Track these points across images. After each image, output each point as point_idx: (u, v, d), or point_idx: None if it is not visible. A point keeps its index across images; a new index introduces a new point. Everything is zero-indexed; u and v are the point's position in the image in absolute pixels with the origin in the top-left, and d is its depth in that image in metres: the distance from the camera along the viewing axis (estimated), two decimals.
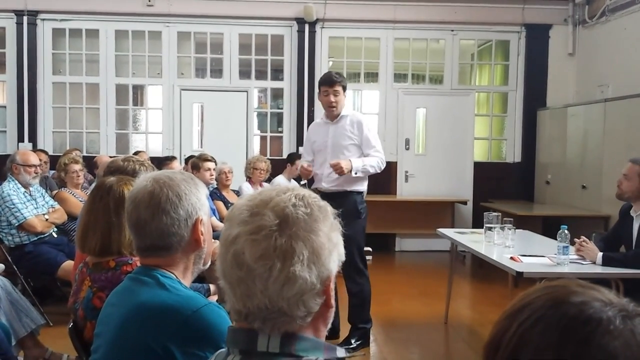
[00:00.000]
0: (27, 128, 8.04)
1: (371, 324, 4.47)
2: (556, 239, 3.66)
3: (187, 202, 1.60)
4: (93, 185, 4.18)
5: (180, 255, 1.63)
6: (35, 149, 7.21)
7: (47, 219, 4.82)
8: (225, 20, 8.21)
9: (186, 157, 7.38)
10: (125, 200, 1.70)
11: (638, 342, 0.72)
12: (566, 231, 3.60)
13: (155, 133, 8.44)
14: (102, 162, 5.41)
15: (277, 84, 8.49)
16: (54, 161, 6.46)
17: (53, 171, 6.35)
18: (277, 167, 7.08)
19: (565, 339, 0.73)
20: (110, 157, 5.37)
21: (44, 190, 5.21)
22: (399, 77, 8.53)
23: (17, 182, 4.75)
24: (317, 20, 8.16)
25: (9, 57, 8.06)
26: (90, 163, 6.39)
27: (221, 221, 5.58)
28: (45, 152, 7.09)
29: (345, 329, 4.35)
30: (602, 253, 3.63)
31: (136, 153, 6.44)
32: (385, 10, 8.16)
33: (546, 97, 8.38)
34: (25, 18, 7.98)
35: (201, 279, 3.09)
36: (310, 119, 7.14)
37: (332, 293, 1.08)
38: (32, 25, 8.02)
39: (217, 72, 8.41)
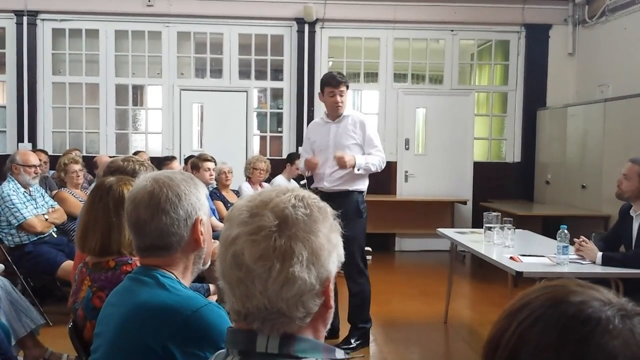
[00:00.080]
0: (27, 128, 8.04)
1: (371, 324, 4.47)
2: (556, 239, 3.66)
3: (187, 202, 1.60)
4: (93, 185, 4.18)
5: (180, 255, 1.63)
6: (35, 149, 7.22)
7: (46, 219, 4.82)
8: (225, 21, 8.21)
9: (186, 157, 7.38)
10: (125, 200, 1.70)
11: (637, 341, 0.73)
12: (566, 231, 3.60)
13: (155, 133, 8.45)
14: (101, 162, 5.42)
15: (276, 84, 8.49)
16: (53, 161, 6.47)
17: (53, 171, 6.36)
18: (277, 167, 7.08)
19: (564, 338, 0.73)
20: (110, 157, 5.37)
21: (43, 190, 5.21)
22: (399, 77, 8.53)
23: (16, 182, 4.75)
24: (317, 20, 8.16)
25: (8, 57, 8.06)
26: (90, 163, 6.39)
27: (221, 221, 5.58)
28: (45, 152, 7.09)
29: (345, 329, 4.36)
30: (601, 253, 3.63)
31: (136, 153, 6.43)
32: (385, 10, 8.16)
33: (546, 97, 8.38)
34: (25, 18, 7.98)
35: (201, 278, 3.09)
36: (310, 119, 7.14)
37: (332, 294, 1.08)
38: (32, 26, 8.02)
39: (217, 72, 8.41)
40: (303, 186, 6.08)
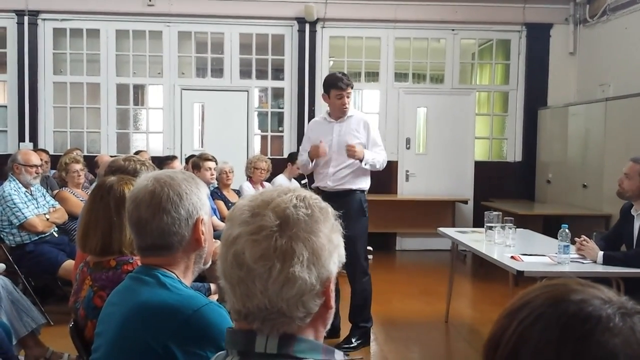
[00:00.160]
0: (28, 128, 8.05)
1: (372, 323, 4.47)
2: (557, 238, 3.66)
3: (188, 201, 1.60)
4: (94, 184, 4.19)
5: (181, 255, 1.63)
6: (36, 148, 7.22)
7: (47, 219, 4.82)
8: (225, 20, 8.21)
9: (187, 156, 7.38)
10: (126, 200, 1.70)
11: (638, 339, 0.73)
12: (567, 230, 3.60)
13: (156, 133, 8.45)
14: (103, 162, 5.41)
15: (277, 84, 8.49)
16: (54, 161, 6.48)
17: (54, 171, 6.36)
18: (278, 166, 7.08)
19: (565, 337, 0.73)
20: (111, 156, 5.37)
21: (44, 189, 5.22)
22: (400, 76, 8.53)
23: (18, 181, 4.76)
24: (318, 19, 8.16)
25: (9, 56, 8.06)
26: (91, 163, 6.40)
27: (222, 221, 5.59)
28: (46, 152, 7.10)
29: (346, 328, 4.36)
30: (602, 252, 3.63)
31: (137, 152, 6.44)
32: (386, 9, 8.16)
33: (547, 96, 8.37)
34: (26, 18, 7.98)
35: (202, 278, 3.09)
36: (311, 118, 7.13)
37: (333, 294, 1.08)
38: (33, 25, 8.02)
39: (218, 71, 8.41)
40: (304, 185, 6.09)
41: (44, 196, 4.99)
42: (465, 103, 8.29)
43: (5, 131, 8.16)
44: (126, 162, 2.57)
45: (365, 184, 4.37)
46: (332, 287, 1.08)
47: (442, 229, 5.13)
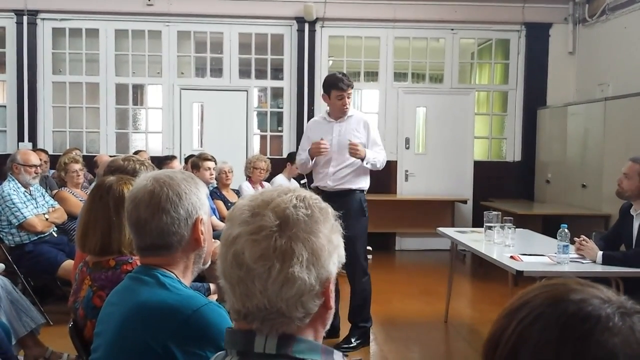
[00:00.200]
0: (27, 127, 8.04)
1: (371, 323, 4.47)
2: (556, 238, 3.66)
3: (187, 201, 1.60)
4: (93, 184, 4.18)
5: (181, 255, 1.63)
6: (35, 148, 7.21)
7: (47, 219, 4.82)
8: (225, 20, 8.21)
9: (186, 156, 7.38)
10: (125, 200, 1.70)
11: (637, 339, 0.73)
12: (566, 230, 3.60)
13: (155, 132, 8.44)
14: (102, 162, 5.41)
15: (277, 83, 8.48)
16: (54, 161, 6.47)
17: (53, 170, 6.36)
18: (277, 166, 7.08)
19: (564, 336, 0.73)
20: (110, 156, 5.37)
21: (44, 189, 5.21)
22: (399, 76, 8.53)
23: (17, 181, 4.75)
24: (317, 19, 8.16)
25: (9, 56, 8.06)
26: (90, 162, 6.39)
27: (221, 220, 5.59)
28: (45, 152, 7.09)
29: (345, 328, 4.36)
30: (602, 252, 3.63)
31: (137, 152, 6.44)
32: (385, 9, 8.16)
33: (546, 96, 8.38)
34: (25, 18, 7.97)
35: (201, 278, 3.09)
36: (310, 118, 7.14)
37: (332, 295, 1.08)
38: (32, 25, 8.02)
39: (217, 71, 8.41)
40: (303, 185, 6.09)
41: (43, 196, 4.98)
42: (465, 103, 8.29)
43: (5, 131, 8.15)
44: (125, 162, 2.57)
45: (365, 183, 4.38)
46: (332, 287, 1.08)
47: (441, 229, 5.13)
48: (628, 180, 3.76)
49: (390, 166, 7.78)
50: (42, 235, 4.76)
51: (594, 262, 3.62)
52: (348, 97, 4.25)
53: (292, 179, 6.83)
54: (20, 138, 8.02)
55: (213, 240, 1.75)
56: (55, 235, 4.91)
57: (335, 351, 1.10)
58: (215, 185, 6.06)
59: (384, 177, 7.68)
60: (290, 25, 8.26)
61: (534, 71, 8.36)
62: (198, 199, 1.63)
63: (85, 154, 7.51)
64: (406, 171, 8.30)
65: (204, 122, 8.39)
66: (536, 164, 8.36)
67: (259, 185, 6.35)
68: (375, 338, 4.61)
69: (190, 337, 1.45)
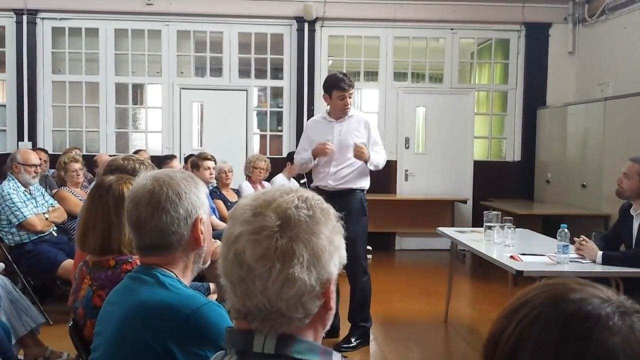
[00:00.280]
0: (27, 127, 8.04)
1: (371, 323, 4.47)
2: (556, 238, 3.66)
3: (187, 200, 1.60)
4: (93, 184, 4.18)
5: (180, 254, 1.63)
6: (35, 147, 7.21)
7: (47, 218, 4.82)
8: (224, 19, 8.21)
9: (186, 156, 7.38)
10: (125, 199, 1.70)
11: (637, 338, 0.73)
12: (566, 230, 3.60)
13: (155, 132, 8.44)
14: (102, 161, 5.41)
15: (276, 83, 8.48)
16: (53, 160, 6.47)
17: (53, 170, 6.36)
18: (277, 166, 7.07)
19: (564, 336, 0.73)
20: (110, 155, 5.37)
21: (43, 189, 5.21)
22: (399, 75, 8.53)
23: (16, 181, 4.75)
24: (317, 19, 8.15)
25: (8, 56, 8.05)
26: (90, 162, 6.39)
27: (221, 220, 5.58)
28: (45, 151, 7.08)
29: (345, 328, 4.36)
30: (602, 252, 3.63)
31: (137, 152, 6.44)
32: (385, 9, 8.16)
33: (546, 95, 8.38)
34: (24, 17, 7.97)
35: (201, 277, 3.09)
36: (310, 118, 7.14)
37: (333, 295, 1.08)
38: (32, 24, 8.01)
39: (217, 71, 8.40)
40: (303, 185, 6.09)
41: (43, 195, 4.98)
42: (464, 102, 8.29)
43: (4, 130, 8.15)
44: (125, 162, 2.57)
45: (365, 183, 4.39)
46: (333, 288, 1.08)
47: (441, 229, 5.13)
48: (628, 180, 3.76)
49: (390, 166, 7.78)
50: (42, 235, 4.76)
51: (594, 262, 3.61)
52: (349, 97, 4.26)
53: (291, 179, 6.83)
54: (20, 137, 8.02)
55: (213, 239, 1.75)
56: (55, 234, 4.91)
57: (334, 352, 1.10)
58: (215, 185, 6.06)
59: (384, 177, 7.68)
60: (290, 25, 8.25)
61: (534, 71, 8.36)
62: (198, 198, 1.63)
63: (85, 153, 7.50)
64: (406, 171, 8.30)
65: (203, 121, 8.38)
66: (536, 164, 8.36)
67: (258, 185, 6.35)
68: (375, 338, 4.61)
69: (189, 337, 1.45)
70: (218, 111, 8.28)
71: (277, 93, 8.59)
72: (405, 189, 8.26)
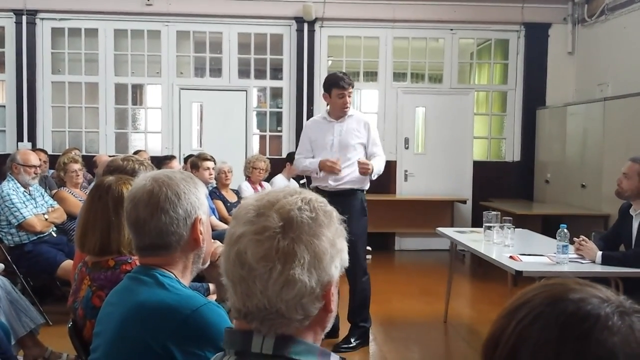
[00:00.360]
0: (27, 127, 8.03)
1: (371, 323, 4.47)
2: (555, 238, 3.66)
3: (186, 201, 1.60)
4: (92, 184, 4.18)
5: (180, 255, 1.63)
6: (34, 148, 7.21)
7: (46, 219, 4.81)
8: (224, 20, 8.21)
9: (185, 156, 7.38)
10: (125, 200, 1.70)
11: (637, 338, 0.73)
12: (565, 230, 3.60)
13: (155, 132, 8.44)
14: (101, 162, 5.41)
15: (276, 83, 8.48)
16: (53, 160, 6.46)
17: (52, 170, 6.35)
18: (277, 166, 7.08)
19: (564, 336, 0.73)
20: (110, 156, 5.36)
21: (43, 189, 5.21)
22: (398, 76, 8.53)
23: (16, 181, 4.75)
24: (316, 19, 8.16)
25: (8, 56, 8.05)
26: (89, 162, 6.39)
27: (220, 220, 5.59)
28: (45, 152, 7.08)
29: (345, 328, 4.35)
30: (601, 252, 3.63)
31: (137, 152, 6.44)
32: (385, 9, 8.16)
33: (545, 96, 8.38)
34: (24, 17, 7.97)
35: (200, 278, 3.09)
36: (310, 118, 7.14)
37: (334, 298, 1.08)
38: (31, 25, 8.01)
39: (216, 71, 8.40)
40: (303, 185, 6.09)
41: (43, 196, 4.98)
42: (464, 103, 8.29)
43: (4, 131, 8.15)
44: (124, 162, 2.57)
45: (366, 183, 4.40)
46: (334, 291, 1.08)
47: (440, 229, 5.13)
48: (627, 180, 3.76)
49: (390, 166, 7.78)
50: (42, 235, 4.76)
51: (594, 262, 3.61)
52: (349, 96, 4.26)
53: (291, 179, 6.83)
54: (20, 138, 8.02)
55: (212, 240, 1.75)
56: (55, 235, 4.91)
57: (333, 354, 1.10)
58: (215, 185, 6.05)
59: (384, 177, 7.60)
60: (290, 25, 8.25)
61: (533, 71, 8.36)
62: (197, 198, 1.62)
63: (84, 153, 7.51)
64: (405, 171, 8.30)
65: (203, 122, 8.38)
66: (535, 164, 8.37)
67: (258, 186, 6.35)
68: (375, 338, 4.61)
69: (189, 337, 1.45)
70: (217, 111, 8.28)
71: (276, 93, 8.59)
72: (404, 189, 8.26)
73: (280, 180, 6.74)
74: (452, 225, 7.42)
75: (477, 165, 8.27)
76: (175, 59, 8.32)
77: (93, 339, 1.68)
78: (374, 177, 4.31)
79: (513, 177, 8.44)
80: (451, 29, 8.38)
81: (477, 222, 6.71)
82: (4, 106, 8.14)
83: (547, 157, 8.09)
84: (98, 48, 8.20)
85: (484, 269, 6.62)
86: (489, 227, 4.30)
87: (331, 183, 4.29)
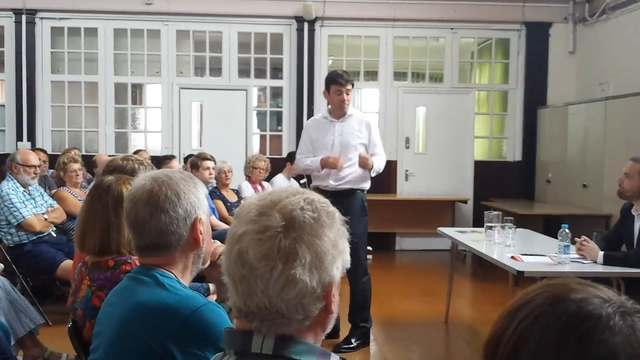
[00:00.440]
0: (26, 127, 8.03)
1: (371, 323, 4.47)
2: (557, 238, 3.66)
3: (186, 201, 1.60)
4: (92, 184, 4.18)
5: (179, 255, 1.63)
6: (34, 148, 7.21)
7: (46, 218, 4.81)
8: (224, 19, 8.21)
9: (185, 156, 7.38)
10: (124, 199, 1.70)
11: (638, 338, 0.73)
12: (567, 230, 3.59)
13: (154, 132, 8.44)
14: (101, 161, 5.41)
15: (276, 83, 8.48)
16: (52, 160, 6.46)
17: (52, 170, 6.35)
18: (277, 166, 7.07)
19: (565, 335, 0.73)
20: (109, 156, 5.36)
21: (42, 189, 5.21)
22: (399, 75, 8.52)
23: (16, 181, 4.75)
24: (317, 18, 8.15)
25: (7, 55, 8.05)
26: (89, 162, 6.39)
27: (221, 220, 5.58)
28: (44, 151, 7.08)
29: (345, 328, 4.35)
30: (603, 252, 3.62)
31: (137, 152, 6.43)
32: (385, 8, 8.15)
33: (546, 95, 8.37)
34: (23, 17, 7.97)
35: (200, 278, 3.08)
36: (310, 117, 7.13)
37: (335, 299, 1.08)
38: (31, 24, 8.01)
39: (216, 70, 8.40)
40: (303, 185, 6.09)
41: (42, 196, 4.98)
42: (465, 102, 8.29)
43: (3, 130, 8.15)
44: (124, 162, 2.57)
45: (366, 183, 4.40)
46: (336, 292, 1.08)
47: (441, 229, 5.13)
48: (629, 180, 3.76)
49: (390, 166, 7.78)
50: (41, 235, 4.76)
51: (595, 262, 3.61)
52: (347, 93, 4.25)
53: (291, 179, 6.82)
54: (19, 137, 8.02)
55: (212, 240, 1.74)
56: (54, 235, 4.90)
57: (333, 354, 1.09)
58: (215, 185, 6.05)
59: (384, 177, 7.65)
60: (290, 25, 8.25)
61: (534, 71, 8.36)
62: (197, 198, 1.62)
63: (84, 153, 7.51)
64: (406, 171, 8.30)
65: (203, 121, 8.38)
66: (537, 164, 8.36)
67: (258, 185, 6.35)
68: (375, 338, 4.60)
69: (189, 337, 1.45)
70: (217, 111, 8.27)
71: (276, 93, 8.59)
72: (405, 189, 8.26)
73: (280, 179, 6.73)
74: (453, 225, 7.41)
75: (478, 165, 8.27)
76: (175, 59, 8.32)
77: (93, 339, 1.68)
78: (373, 174, 4.31)
79: (514, 176, 8.43)
80: (452, 28, 8.37)
81: (478, 222, 6.70)
82: (4, 106, 8.14)
83: (548, 157, 8.09)
84: (98, 47, 8.20)
85: (485, 269, 6.62)
86: (490, 227, 4.30)
87: (332, 183, 4.28)
